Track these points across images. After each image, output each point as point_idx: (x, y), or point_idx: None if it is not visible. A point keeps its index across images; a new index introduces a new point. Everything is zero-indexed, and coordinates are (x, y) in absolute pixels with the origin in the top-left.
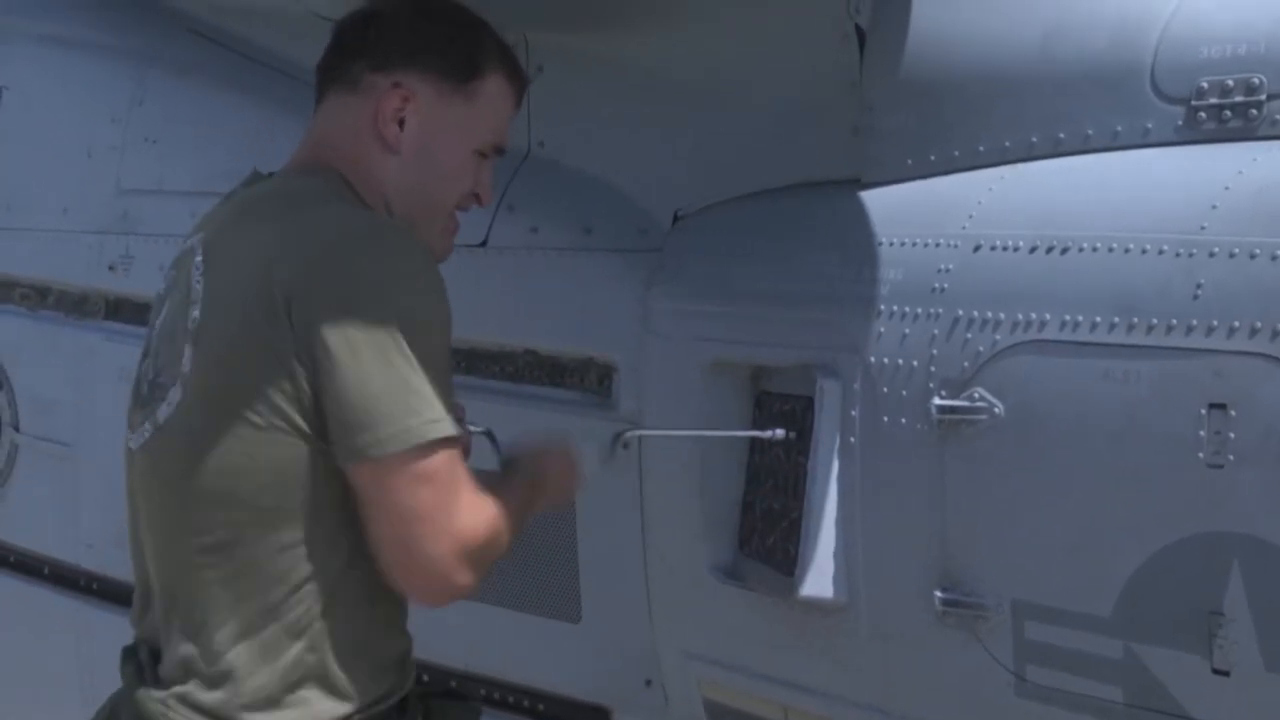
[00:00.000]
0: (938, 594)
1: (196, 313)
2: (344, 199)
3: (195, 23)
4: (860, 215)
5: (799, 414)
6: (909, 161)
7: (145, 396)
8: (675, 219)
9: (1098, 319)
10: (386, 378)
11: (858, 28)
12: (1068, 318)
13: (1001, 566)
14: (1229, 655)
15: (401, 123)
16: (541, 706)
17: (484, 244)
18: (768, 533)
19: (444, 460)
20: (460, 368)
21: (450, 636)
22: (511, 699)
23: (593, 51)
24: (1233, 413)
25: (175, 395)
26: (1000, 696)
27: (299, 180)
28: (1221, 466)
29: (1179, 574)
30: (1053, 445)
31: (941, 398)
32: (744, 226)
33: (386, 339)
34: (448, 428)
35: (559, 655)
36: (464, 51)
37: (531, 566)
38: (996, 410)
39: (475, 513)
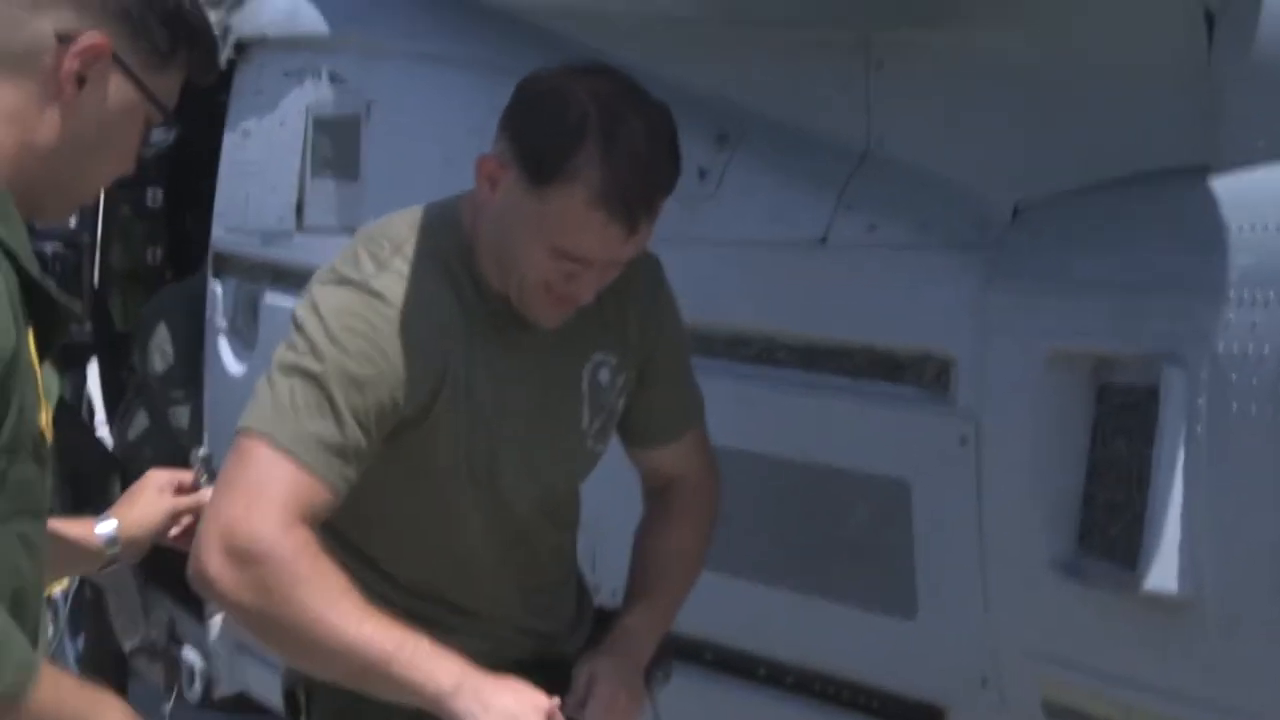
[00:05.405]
0: None
1: None
2: None
3: (548, 34)
4: (1209, 201)
5: (1143, 405)
6: (1260, 145)
7: None
8: (1015, 212)
9: None
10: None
11: (1206, 9)
12: None
13: None
14: None
15: None
16: (874, 703)
17: (824, 241)
18: (1109, 526)
19: (256, 448)
20: (801, 364)
21: (782, 629)
22: (845, 694)
23: (932, 45)
24: None
25: None
26: None
27: None
28: None
29: None
30: None
31: None
32: (1087, 217)
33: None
34: (278, 429)
35: (892, 651)
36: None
37: (866, 560)
38: None
39: (260, 516)
